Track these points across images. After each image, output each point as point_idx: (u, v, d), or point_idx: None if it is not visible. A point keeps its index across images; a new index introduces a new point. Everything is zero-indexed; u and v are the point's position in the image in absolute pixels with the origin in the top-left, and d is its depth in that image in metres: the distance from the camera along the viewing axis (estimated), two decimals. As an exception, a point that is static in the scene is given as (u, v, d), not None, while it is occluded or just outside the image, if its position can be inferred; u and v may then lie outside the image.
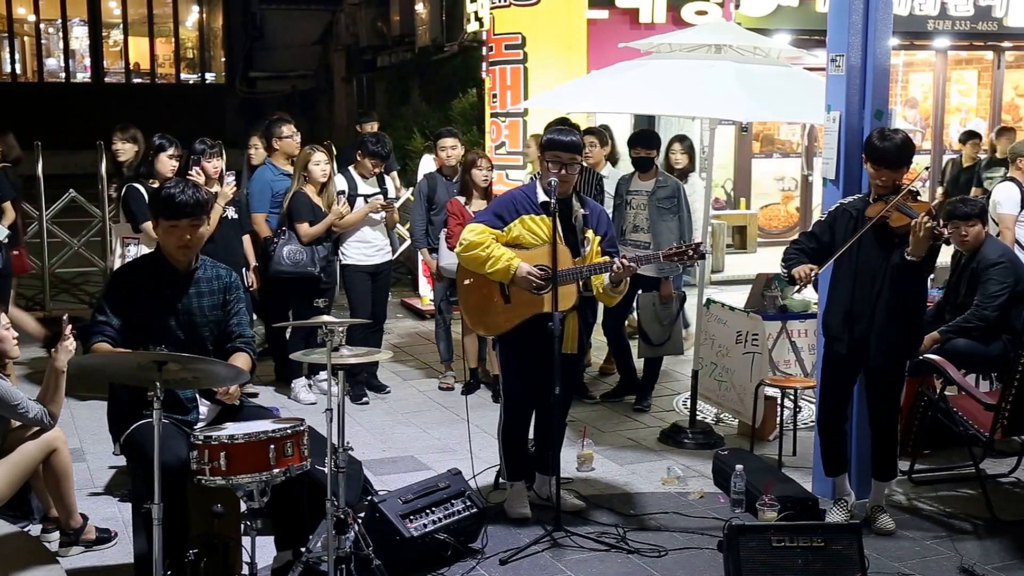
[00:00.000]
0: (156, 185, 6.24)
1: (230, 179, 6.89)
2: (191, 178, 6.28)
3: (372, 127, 9.58)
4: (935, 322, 6.02)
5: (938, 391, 5.69)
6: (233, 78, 32.41)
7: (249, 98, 30.34)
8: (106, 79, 32.93)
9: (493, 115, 9.57)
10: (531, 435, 5.32)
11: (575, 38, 9.44)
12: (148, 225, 6.17)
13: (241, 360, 4.32)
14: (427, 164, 9.28)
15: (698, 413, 6.58)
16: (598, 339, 7.39)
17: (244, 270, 6.92)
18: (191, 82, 34.70)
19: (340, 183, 7.15)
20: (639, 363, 7.21)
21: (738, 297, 7.08)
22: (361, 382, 7.27)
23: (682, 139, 7.61)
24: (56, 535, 4.73)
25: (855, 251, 4.88)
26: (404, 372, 8.04)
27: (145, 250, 6.14)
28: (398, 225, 8.24)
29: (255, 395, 7.10)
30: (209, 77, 34.76)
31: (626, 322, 7.35)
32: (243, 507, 4.08)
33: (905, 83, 14.20)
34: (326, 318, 4.22)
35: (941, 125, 14.17)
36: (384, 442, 6.41)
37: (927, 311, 5.75)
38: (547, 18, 9.30)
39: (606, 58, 8.39)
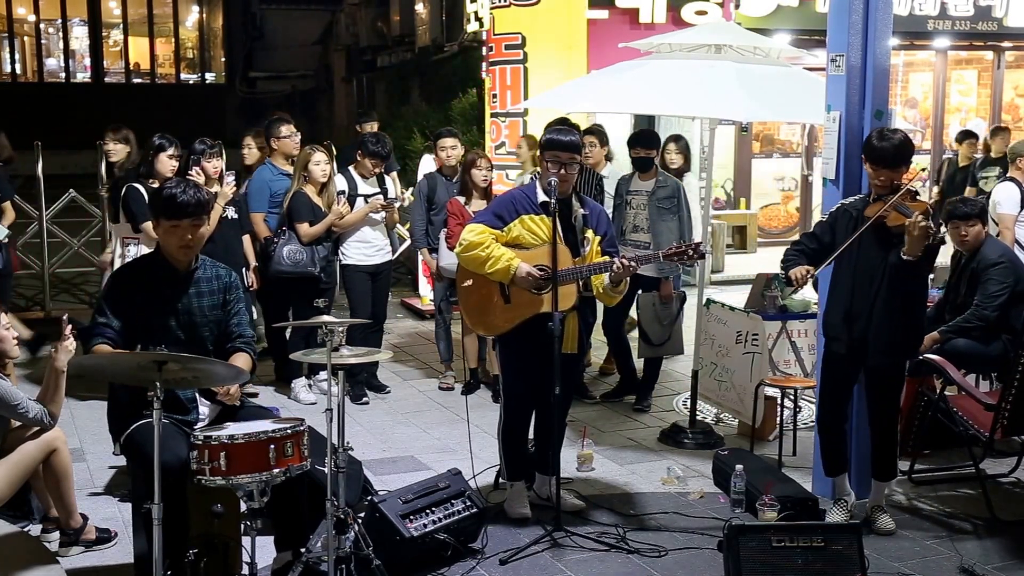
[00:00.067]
0: (156, 185, 6.24)
1: (230, 179, 6.89)
2: (191, 178, 6.27)
3: (372, 127, 9.57)
4: (935, 322, 6.02)
5: (938, 391, 5.69)
6: (233, 78, 32.40)
7: (249, 98, 30.34)
8: (106, 79, 32.91)
9: (493, 115, 9.57)
10: (531, 435, 5.33)
11: (575, 38, 9.43)
12: (148, 225, 6.17)
13: (241, 360, 4.32)
14: (427, 164, 9.28)
15: (698, 413, 6.58)
16: (598, 339, 7.40)
17: (244, 270, 6.92)
18: (191, 82, 34.69)
19: (340, 183, 7.15)
20: (639, 363, 7.21)
21: (738, 297, 7.08)
22: (361, 382, 7.27)
23: (677, 139, 7.61)
24: (56, 535, 4.73)
25: (855, 251, 4.88)
26: (404, 372, 8.04)
27: (145, 250, 6.14)
28: (398, 225, 8.24)
29: (255, 395, 7.10)
30: (209, 77, 34.75)
31: (626, 320, 7.35)
32: (243, 507, 4.08)
33: (905, 83, 14.21)
34: (326, 318, 4.22)
35: (941, 125, 14.17)
36: (384, 442, 6.41)
37: (927, 311, 5.75)
38: (547, 18, 9.30)
39: (606, 58, 8.39)
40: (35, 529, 4.80)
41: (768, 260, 9.82)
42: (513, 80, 9.34)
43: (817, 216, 12.61)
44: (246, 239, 7.10)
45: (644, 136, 7.07)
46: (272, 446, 3.87)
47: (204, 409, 4.34)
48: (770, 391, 6.24)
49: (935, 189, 11.95)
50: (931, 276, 5.25)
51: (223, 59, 33.78)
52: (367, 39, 25.36)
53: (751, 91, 6.02)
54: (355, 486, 4.94)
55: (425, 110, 16.93)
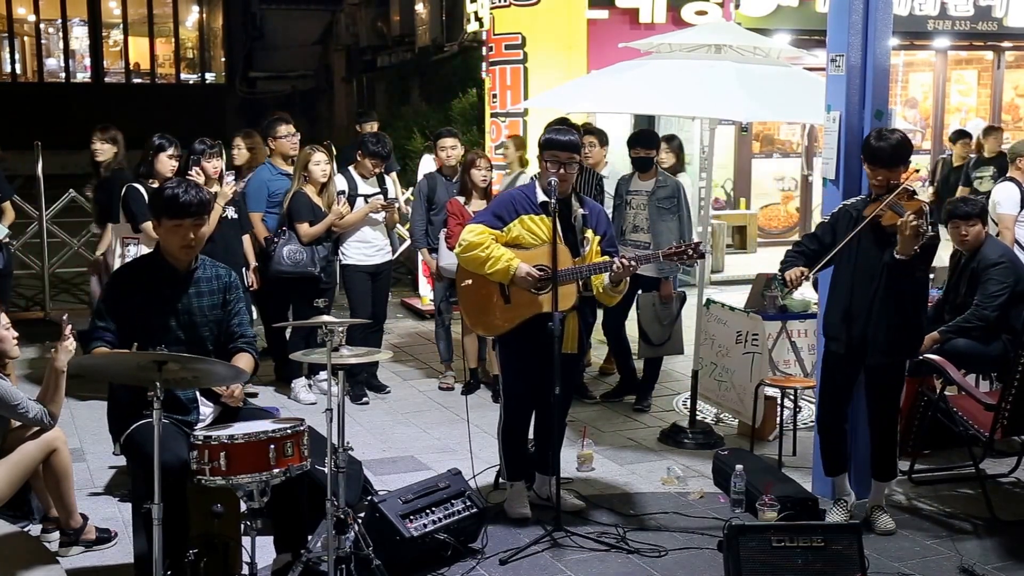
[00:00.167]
0: (156, 185, 6.24)
1: (230, 179, 6.89)
2: (191, 178, 6.27)
3: (372, 127, 9.57)
4: (934, 322, 6.01)
5: (938, 391, 5.68)
6: (233, 78, 32.39)
7: (249, 98, 30.33)
8: (106, 79, 32.91)
9: (493, 115, 9.57)
10: (531, 435, 5.32)
11: (575, 38, 9.44)
12: (148, 225, 6.17)
13: (244, 360, 4.33)
14: (427, 164, 9.28)
15: (698, 413, 6.58)
16: (598, 339, 7.40)
17: (244, 270, 6.92)
18: (191, 82, 34.69)
19: (340, 183, 7.15)
20: (639, 363, 7.21)
21: (738, 297, 7.08)
22: (361, 382, 7.27)
23: (670, 139, 7.60)
24: (56, 535, 4.73)
25: (854, 251, 4.88)
26: (404, 372, 8.04)
27: (145, 250, 6.14)
28: (398, 225, 8.24)
29: (255, 395, 7.10)
30: (209, 77, 34.74)
31: (625, 320, 7.35)
32: (243, 507, 4.08)
33: (905, 83, 14.22)
34: (326, 318, 4.22)
35: (941, 125, 14.17)
36: (384, 442, 6.41)
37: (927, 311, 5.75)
38: (547, 18, 9.30)
39: (606, 58, 8.39)
40: (35, 529, 4.80)
41: (768, 260, 9.81)
42: (513, 80, 9.34)
43: (817, 216, 12.62)
44: (246, 239, 7.09)
45: (644, 136, 7.06)
46: (272, 446, 3.86)
47: (204, 409, 4.34)
48: (770, 391, 6.24)
49: (930, 190, 11.93)
50: (931, 276, 5.24)
51: (223, 59, 33.77)
52: (367, 39, 25.36)
53: (751, 91, 6.02)
54: (355, 486, 4.94)
55: (425, 110, 16.94)
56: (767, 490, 5.03)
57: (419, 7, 21.31)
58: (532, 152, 8.43)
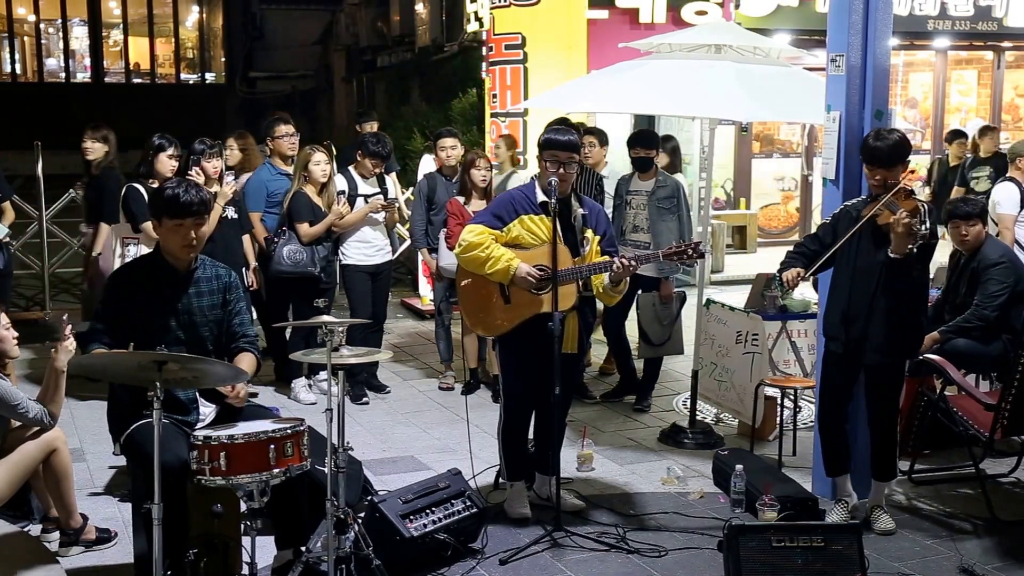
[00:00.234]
0: (156, 185, 6.24)
1: (230, 179, 6.89)
2: (191, 178, 6.27)
3: (372, 127, 9.57)
4: (934, 322, 6.02)
5: (938, 391, 5.68)
6: (233, 78, 32.40)
7: (249, 98, 30.34)
8: (106, 79, 32.92)
9: (493, 115, 9.58)
10: (531, 435, 5.32)
11: (575, 38, 9.45)
12: (148, 225, 6.17)
13: (247, 360, 4.34)
14: (427, 164, 9.28)
15: (698, 413, 6.58)
16: (598, 339, 7.40)
17: (244, 270, 6.92)
18: (191, 82, 34.70)
19: (340, 183, 7.15)
20: (639, 363, 7.21)
21: (738, 297, 7.07)
22: (361, 382, 7.27)
23: (665, 140, 7.60)
24: (56, 535, 4.72)
25: (853, 251, 4.89)
26: (404, 372, 8.04)
27: (145, 250, 6.14)
28: (398, 225, 8.24)
29: (255, 395, 7.08)
30: (209, 77, 34.75)
31: (625, 320, 7.35)
32: (243, 507, 4.08)
33: (905, 83, 14.21)
34: (326, 318, 4.22)
35: (941, 125, 14.17)
36: (384, 442, 6.41)
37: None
38: (547, 18, 9.32)
39: (606, 58, 8.40)
40: (35, 529, 4.80)
41: (768, 260, 9.81)
42: (513, 80, 9.35)
43: (817, 216, 12.62)
44: (246, 239, 7.09)
45: (644, 136, 7.06)
46: (272, 446, 3.86)
47: (204, 410, 4.34)
48: (770, 391, 6.24)
49: (927, 190, 11.92)
50: (931, 276, 5.24)
51: (223, 59, 33.78)
52: (367, 39, 25.36)
53: (751, 91, 6.02)
54: (355, 486, 4.94)
55: (425, 110, 16.93)
56: (767, 490, 5.03)
57: (419, 7, 21.31)
58: (531, 152, 8.45)
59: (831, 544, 4.25)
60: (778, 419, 6.11)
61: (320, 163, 6.92)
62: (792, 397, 6.25)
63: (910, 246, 4.65)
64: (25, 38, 33.41)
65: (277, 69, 30.80)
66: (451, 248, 6.24)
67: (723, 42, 6.44)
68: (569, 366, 5.09)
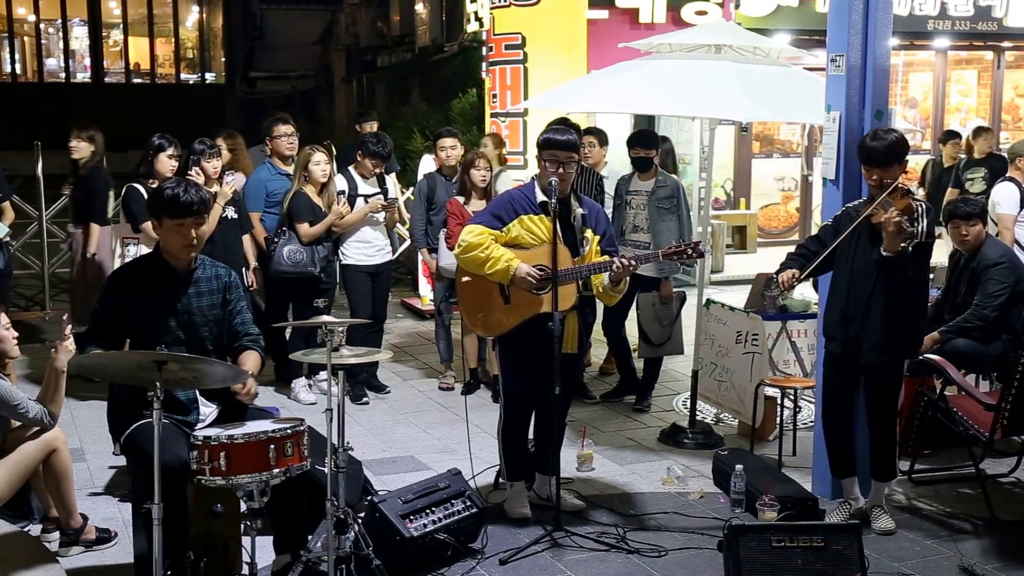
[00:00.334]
0: (156, 185, 6.24)
1: (229, 179, 6.88)
2: (190, 178, 6.27)
3: (372, 127, 9.57)
4: (934, 322, 6.02)
5: (938, 391, 5.68)
6: (233, 78, 32.40)
7: (249, 98, 30.33)
8: (106, 79, 32.93)
9: (493, 115, 9.59)
10: (531, 435, 5.32)
11: (575, 38, 9.45)
12: (148, 225, 6.17)
13: (252, 358, 4.36)
14: (427, 164, 9.28)
15: (698, 413, 6.58)
16: (598, 339, 7.39)
17: (244, 270, 6.92)
18: (191, 82, 34.70)
19: (340, 183, 7.15)
20: (639, 363, 7.21)
21: (738, 297, 7.08)
22: (361, 382, 7.27)
23: (662, 140, 7.60)
24: (56, 535, 4.72)
25: (852, 251, 4.90)
26: (404, 372, 8.04)
27: (145, 250, 6.14)
28: (398, 225, 8.24)
29: (255, 395, 7.08)
30: (209, 77, 34.76)
31: (625, 320, 7.35)
32: (243, 507, 4.08)
33: (905, 83, 14.20)
34: (326, 318, 4.22)
35: (941, 125, 14.15)
36: (384, 442, 6.41)
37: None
38: (547, 18, 9.32)
39: (606, 58, 8.40)
40: (35, 529, 4.80)
41: (768, 260, 9.79)
42: (513, 80, 9.35)
43: (817, 216, 12.62)
44: (246, 239, 7.09)
45: (644, 136, 7.06)
46: (272, 446, 3.87)
47: (204, 409, 4.34)
48: (770, 391, 6.24)
49: (920, 192, 11.87)
50: (931, 276, 5.24)
51: (223, 59, 33.78)
52: (367, 39, 25.36)
53: (751, 91, 6.01)
54: (355, 486, 4.94)
55: (425, 110, 16.93)
56: (767, 490, 5.03)
57: (419, 7, 21.31)
58: (530, 152, 8.45)
59: (831, 544, 4.25)
60: (778, 419, 6.11)
61: (320, 163, 6.92)
62: (792, 397, 6.25)
63: (902, 244, 4.65)
64: (25, 38, 33.42)
65: (277, 69, 30.80)
66: (451, 248, 6.24)
67: (723, 42, 6.44)
68: (569, 366, 5.09)
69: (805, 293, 6.66)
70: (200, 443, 3.84)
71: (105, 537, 4.81)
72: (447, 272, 6.96)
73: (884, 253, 4.69)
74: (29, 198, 9.97)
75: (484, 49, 10.54)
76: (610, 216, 6.22)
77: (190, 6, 34.63)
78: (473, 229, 5.02)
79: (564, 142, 4.99)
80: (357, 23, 26.23)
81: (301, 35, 29.87)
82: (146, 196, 6.41)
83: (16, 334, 4.72)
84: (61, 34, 33.08)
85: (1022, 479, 5.77)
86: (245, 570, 4.12)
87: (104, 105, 26.08)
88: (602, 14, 10.47)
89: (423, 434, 6.57)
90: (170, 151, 6.58)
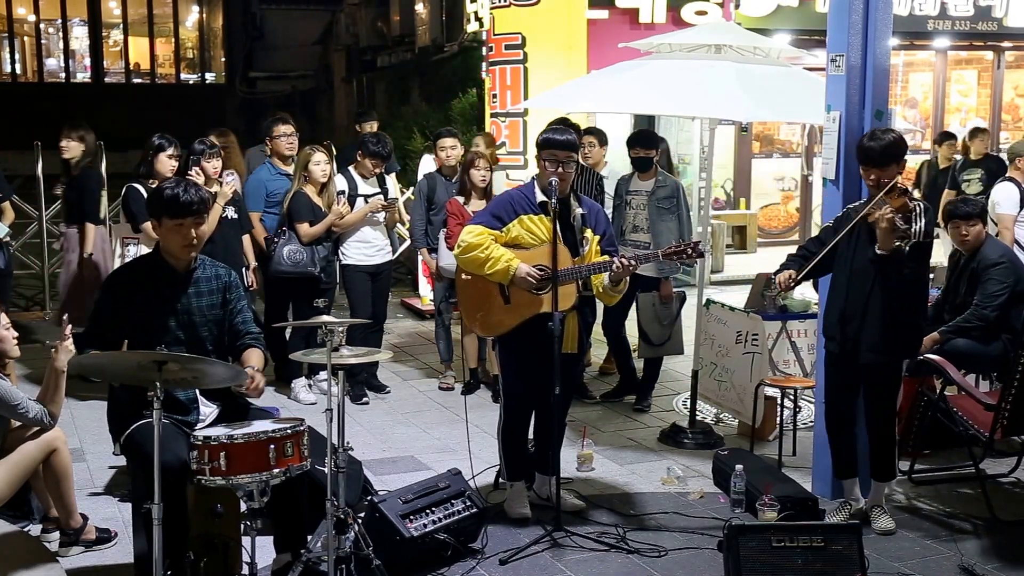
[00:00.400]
0: (156, 185, 6.24)
1: (229, 179, 6.88)
2: (190, 178, 6.27)
3: (372, 127, 9.57)
4: (934, 322, 6.02)
5: (938, 391, 5.68)
6: (233, 78, 32.41)
7: (249, 98, 30.34)
8: (106, 79, 32.95)
9: (493, 115, 9.57)
10: (531, 435, 5.32)
11: (575, 38, 9.43)
12: (148, 225, 6.17)
13: (255, 355, 4.36)
14: (427, 164, 9.28)
15: (698, 413, 6.58)
16: (598, 339, 7.39)
17: (244, 270, 6.92)
18: (191, 82, 34.71)
19: (340, 183, 7.15)
20: (639, 363, 7.21)
21: (738, 297, 7.08)
22: (361, 382, 7.27)
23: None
24: (56, 535, 4.72)
25: (850, 251, 4.90)
26: (404, 372, 8.04)
27: (145, 250, 6.14)
28: (398, 225, 8.24)
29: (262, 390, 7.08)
30: (209, 77, 34.77)
31: (625, 319, 7.35)
32: (243, 507, 4.08)
33: (905, 83, 14.20)
34: (326, 318, 4.22)
35: (941, 125, 14.15)
36: (384, 442, 6.41)
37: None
38: (547, 18, 9.30)
39: (606, 58, 8.39)
40: (35, 529, 4.80)
41: (768, 260, 9.79)
42: (513, 80, 9.33)
43: (817, 216, 12.61)
44: (246, 239, 7.09)
45: (644, 136, 7.06)
46: (272, 446, 3.87)
47: (204, 409, 4.34)
48: (770, 391, 6.24)
49: (916, 193, 11.81)
50: (931, 276, 5.24)
51: (223, 59, 33.80)
52: (367, 39, 25.36)
53: (751, 91, 6.01)
54: (355, 486, 4.94)
55: (425, 110, 16.93)
56: (767, 490, 5.03)
57: (419, 7, 21.31)
58: (530, 152, 8.45)
59: (831, 544, 4.25)
60: (778, 419, 6.11)
61: (320, 163, 6.92)
62: (792, 397, 6.25)
63: (897, 243, 4.64)
64: (25, 38, 33.43)
65: (277, 69, 30.81)
66: (451, 248, 6.24)
67: (723, 42, 6.43)
68: (569, 366, 5.09)
69: (805, 293, 6.66)
70: (200, 443, 3.84)
71: (105, 537, 4.81)
72: (447, 272, 6.96)
73: (878, 251, 4.70)
74: (29, 198, 9.96)
75: (484, 49, 10.53)
76: (610, 216, 6.22)
77: (190, 6, 34.64)
78: (473, 229, 5.02)
79: (563, 142, 4.99)
80: (357, 23, 26.24)
81: (301, 35, 29.88)
82: (146, 196, 6.41)
83: (16, 334, 4.72)
84: (61, 34, 33.09)
85: (1022, 479, 5.78)
86: (245, 570, 4.13)
87: (104, 105, 26.11)
88: (602, 14, 10.46)
89: (423, 434, 6.57)
90: (170, 151, 6.58)
